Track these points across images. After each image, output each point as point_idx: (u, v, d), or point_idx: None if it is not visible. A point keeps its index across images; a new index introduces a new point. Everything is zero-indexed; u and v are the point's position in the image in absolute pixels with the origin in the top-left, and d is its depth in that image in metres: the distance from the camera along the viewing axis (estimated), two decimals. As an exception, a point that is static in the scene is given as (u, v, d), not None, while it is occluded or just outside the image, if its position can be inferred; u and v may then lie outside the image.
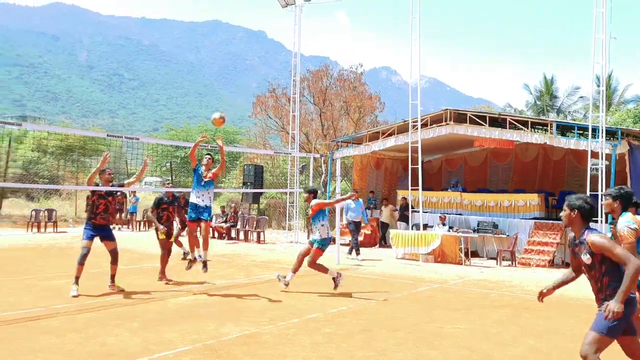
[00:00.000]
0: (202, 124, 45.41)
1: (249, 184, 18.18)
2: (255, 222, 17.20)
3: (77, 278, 7.58)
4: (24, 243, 14.48)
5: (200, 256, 8.10)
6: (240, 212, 18.64)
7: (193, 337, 5.60)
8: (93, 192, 7.83)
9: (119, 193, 20.59)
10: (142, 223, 20.67)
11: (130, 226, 20.61)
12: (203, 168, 8.26)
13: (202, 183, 8.13)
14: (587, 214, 3.82)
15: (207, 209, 8.06)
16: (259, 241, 16.45)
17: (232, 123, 66.27)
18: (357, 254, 13.27)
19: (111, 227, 8.37)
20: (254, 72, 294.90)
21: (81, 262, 7.61)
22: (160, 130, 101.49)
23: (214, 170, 8.34)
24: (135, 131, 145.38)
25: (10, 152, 22.72)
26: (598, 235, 3.73)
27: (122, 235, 18.05)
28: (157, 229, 9.03)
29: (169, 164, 30.11)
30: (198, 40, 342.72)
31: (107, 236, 7.96)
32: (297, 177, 17.45)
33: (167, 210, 9.09)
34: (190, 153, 8.41)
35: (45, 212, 18.71)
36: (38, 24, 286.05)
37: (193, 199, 8.08)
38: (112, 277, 8.08)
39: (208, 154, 8.58)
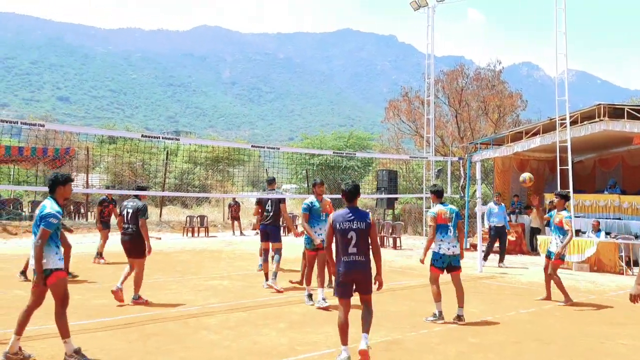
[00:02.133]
0: (335, 132, 46.40)
1: (382, 189, 18.18)
2: (391, 228, 17.13)
3: (266, 275, 8.80)
4: (181, 246, 15.88)
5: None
6: (375, 218, 18.70)
7: (336, 339, 5.69)
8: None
9: (233, 202, 21.57)
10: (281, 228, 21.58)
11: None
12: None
13: (323, 217, 7.94)
14: None
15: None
16: (395, 247, 16.35)
17: (364, 129, 67.05)
18: (501, 261, 12.59)
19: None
20: (385, 77, 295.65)
21: (265, 260, 8.90)
22: (296, 139, 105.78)
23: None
24: (272, 141, 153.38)
25: (167, 164, 25.16)
26: None
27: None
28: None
29: (304, 171, 31.20)
30: (329, 50, 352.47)
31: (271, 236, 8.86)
32: (432, 181, 17.09)
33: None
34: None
35: (198, 218, 20.39)
36: (186, 46, 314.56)
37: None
38: (274, 274, 8.69)
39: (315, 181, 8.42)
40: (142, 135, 9.92)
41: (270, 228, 8.87)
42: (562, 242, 8.11)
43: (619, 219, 13.88)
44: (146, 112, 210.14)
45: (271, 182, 9.52)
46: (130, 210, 7.50)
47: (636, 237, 12.69)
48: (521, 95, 24.54)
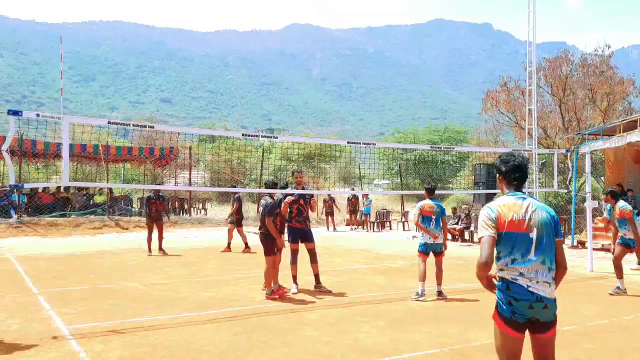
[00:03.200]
0: (429, 126, 45.50)
1: (480, 184, 17.52)
2: (490, 224, 16.49)
3: (293, 277, 8.12)
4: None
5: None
6: (473, 214, 18.09)
7: (439, 340, 5.57)
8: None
9: (350, 195, 21.99)
10: (375, 224, 21.59)
11: (365, 226, 21.67)
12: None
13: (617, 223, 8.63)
14: None
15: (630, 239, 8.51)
16: (494, 243, 15.72)
17: (458, 122, 65.19)
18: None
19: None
20: (479, 67, 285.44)
21: (293, 262, 8.14)
22: (387, 134, 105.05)
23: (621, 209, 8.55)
24: (363, 136, 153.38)
25: (263, 161, 25.96)
26: None
27: (357, 235, 19.17)
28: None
29: (397, 166, 30.89)
30: (420, 41, 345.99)
31: (304, 236, 8.18)
32: (535, 175, 16.21)
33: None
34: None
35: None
36: (278, 44, 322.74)
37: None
38: (316, 276, 8.27)
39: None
40: (242, 134, 10.30)
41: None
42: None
43: None
44: (241, 111, 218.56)
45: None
46: (260, 209, 7.83)
47: None
48: (633, 81, 22.61)
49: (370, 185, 37.00)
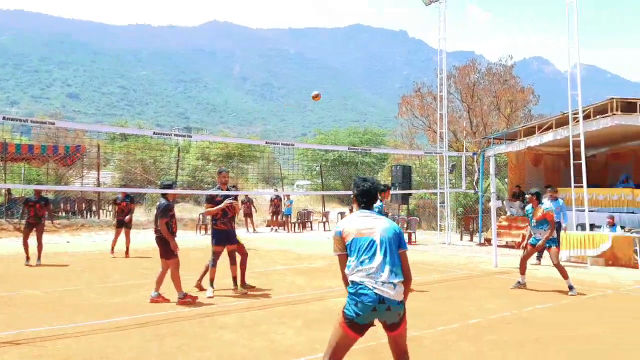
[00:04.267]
0: (349, 128, 46.35)
1: (397, 184, 18.13)
2: (405, 223, 17.09)
3: (211, 280, 7.92)
4: (194, 244, 15.97)
5: None
6: (390, 214, 18.65)
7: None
8: (211, 199, 8.09)
9: (274, 196, 21.97)
10: (296, 225, 21.69)
11: (286, 227, 21.71)
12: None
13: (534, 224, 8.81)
14: None
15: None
16: (409, 242, 16.32)
17: (377, 125, 66.99)
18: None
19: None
20: (396, 72, 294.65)
21: (213, 265, 7.95)
22: (309, 135, 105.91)
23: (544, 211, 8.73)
24: (285, 137, 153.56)
25: (179, 161, 25.27)
26: None
27: (278, 236, 19.17)
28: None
29: (318, 167, 31.20)
30: (341, 45, 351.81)
31: (228, 238, 8.05)
32: (447, 176, 17.00)
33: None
34: None
35: (211, 215, 20.44)
36: (196, 41, 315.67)
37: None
38: (234, 279, 8.20)
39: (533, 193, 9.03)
40: (154, 133, 9.95)
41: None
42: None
43: (633, 212, 13.74)
44: (157, 108, 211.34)
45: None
46: (156, 211, 7.54)
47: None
48: (533, 90, 24.37)
49: (292, 186, 37.11)
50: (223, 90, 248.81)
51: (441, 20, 16.93)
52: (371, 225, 3.54)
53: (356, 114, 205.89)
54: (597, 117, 13.54)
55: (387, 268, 3.38)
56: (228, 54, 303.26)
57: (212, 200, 8.09)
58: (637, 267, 11.29)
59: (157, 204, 7.65)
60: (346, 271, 3.53)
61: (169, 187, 7.72)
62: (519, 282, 8.80)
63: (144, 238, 16.36)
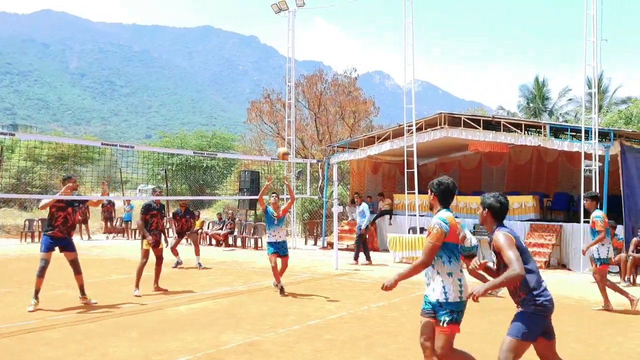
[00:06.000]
0: (197, 131, 45.30)
1: (245, 190, 18.16)
2: (252, 229, 17.16)
3: (36, 291, 7.27)
4: (18, 253, 14.37)
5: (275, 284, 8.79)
6: (237, 219, 18.59)
7: (193, 346, 5.57)
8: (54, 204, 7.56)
9: (106, 201, 20.60)
10: (136, 231, 20.55)
11: (125, 234, 20.50)
12: (271, 208, 8.78)
13: (275, 222, 8.70)
14: (498, 213, 3.79)
15: (284, 243, 8.75)
16: (256, 247, 16.41)
17: (227, 129, 66.40)
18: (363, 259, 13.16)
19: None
20: (247, 77, 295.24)
21: (40, 275, 7.32)
22: (154, 137, 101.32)
23: (283, 207, 8.88)
24: (128, 138, 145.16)
25: (2, 161, 22.55)
26: (501, 233, 3.65)
27: (116, 243, 18.01)
28: (143, 237, 8.78)
29: (163, 171, 30.00)
30: (190, 46, 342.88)
31: (66, 246, 7.57)
32: (293, 182, 17.44)
33: (155, 217, 8.82)
34: (259, 198, 9.02)
35: (39, 221, 18.57)
36: (28, 31, 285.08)
37: (270, 238, 8.66)
38: (81, 288, 7.73)
39: (274, 193, 9.05)
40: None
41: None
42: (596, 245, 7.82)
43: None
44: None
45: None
46: None
47: (472, 233, 14.14)
48: (374, 102, 26.06)
49: (134, 190, 35.14)
50: (57, 85, 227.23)
51: (290, 29, 17.38)
52: None
53: (205, 118, 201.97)
54: (428, 129, 14.96)
55: None
56: (64, 47, 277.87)
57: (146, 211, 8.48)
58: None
59: None
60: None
61: None
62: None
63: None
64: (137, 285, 8.52)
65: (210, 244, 17.52)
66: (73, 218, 7.64)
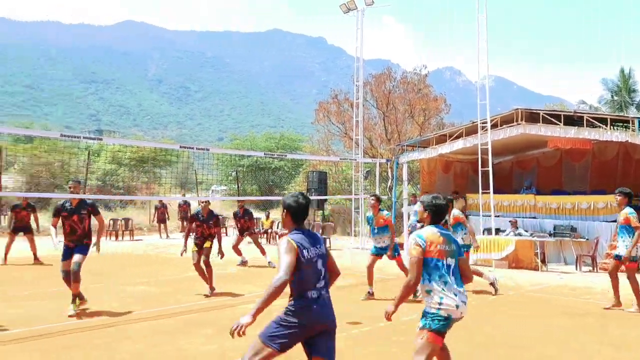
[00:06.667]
0: (266, 133, 46.19)
1: (312, 190, 18.26)
2: (321, 229, 17.22)
3: (74, 296, 7.03)
4: (104, 250, 15.15)
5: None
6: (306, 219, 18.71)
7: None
8: (57, 213, 7.27)
9: (182, 202, 21.34)
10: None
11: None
12: (371, 212, 8.68)
13: (376, 230, 8.58)
14: (295, 214, 3.56)
15: (386, 248, 8.50)
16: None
17: (294, 130, 67.28)
18: None
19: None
20: (314, 79, 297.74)
21: (67, 283, 7.12)
22: (225, 140, 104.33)
23: (384, 219, 8.52)
24: (201, 141, 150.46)
25: (89, 165, 23.96)
26: (286, 238, 3.48)
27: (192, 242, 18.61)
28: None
29: (234, 172, 30.79)
30: (259, 50, 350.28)
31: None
32: (361, 182, 17.34)
33: (201, 226, 8.77)
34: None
35: (122, 221, 19.57)
36: (110, 41, 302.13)
37: (373, 242, 8.74)
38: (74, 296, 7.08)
39: (373, 196, 8.79)
40: (62, 135, 9.38)
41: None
42: (630, 242, 7.48)
43: (534, 217, 14.67)
44: (66, 109, 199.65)
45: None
46: None
47: (550, 234, 13.48)
48: (445, 99, 25.42)
49: (208, 190, 36.31)
50: (137, 92, 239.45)
51: (358, 28, 17.30)
52: None
53: (273, 120, 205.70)
54: (504, 126, 14.37)
55: None
56: (143, 56, 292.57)
57: (57, 213, 7.27)
58: (537, 270, 12.05)
59: None
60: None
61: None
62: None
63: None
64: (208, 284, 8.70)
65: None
66: (82, 226, 7.23)
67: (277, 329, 3.45)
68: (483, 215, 14.04)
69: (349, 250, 16.11)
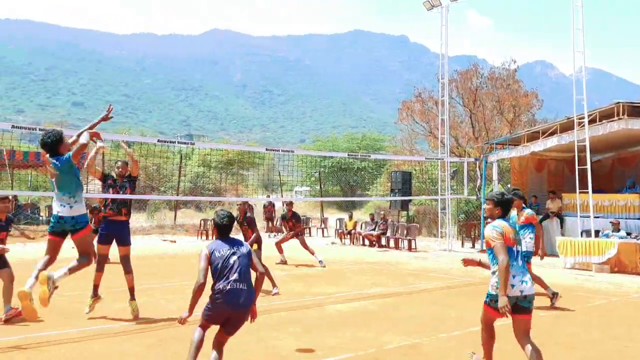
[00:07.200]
0: (347, 134, 46.39)
1: (396, 191, 18.06)
2: (405, 230, 16.98)
3: (95, 287, 6.97)
4: (196, 249, 15.87)
5: None
6: (389, 220, 18.56)
7: (354, 344, 5.61)
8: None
9: (267, 202, 21.86)
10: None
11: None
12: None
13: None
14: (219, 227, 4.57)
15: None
16: (410, 249, 16.20)
17: (376, 130, 67.02)
18: None
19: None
20: (396, 77, 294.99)
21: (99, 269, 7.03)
22: (307, 141, 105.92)
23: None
24: (284, 143, 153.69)
25: (181, 168, 25.24)
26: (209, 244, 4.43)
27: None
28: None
29: (317, 173, 31.16)
30: (340, 51, 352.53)
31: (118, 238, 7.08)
32: (448, 182, 16.92)
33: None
34: None
35: (212, 221, 20.39)
36: (198, 50, 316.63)
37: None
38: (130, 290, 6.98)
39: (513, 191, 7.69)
40: (159, 140, 9.96)
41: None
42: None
43: (639, 219, 13.61)
44: (159, 116, 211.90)
45: None
46: None
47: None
48: (537, 94, 24.27)
49: (291, 192, 37.08)
50: (223, 97, 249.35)
51: (443, 25, 16.92)
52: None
53: (355, 120, 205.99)
54: (604, 121, 13.42)
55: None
56: (228, 62, 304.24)
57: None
58: (643, 274, 11.18)
59: None
60: None
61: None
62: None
63: (147, 243, 16.29)
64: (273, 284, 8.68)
65: (364, 244, 17.71)
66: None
67: (209, 309, 4.40)
68: (581, 216, 13.22)
69: (434, 253, 15.76)
